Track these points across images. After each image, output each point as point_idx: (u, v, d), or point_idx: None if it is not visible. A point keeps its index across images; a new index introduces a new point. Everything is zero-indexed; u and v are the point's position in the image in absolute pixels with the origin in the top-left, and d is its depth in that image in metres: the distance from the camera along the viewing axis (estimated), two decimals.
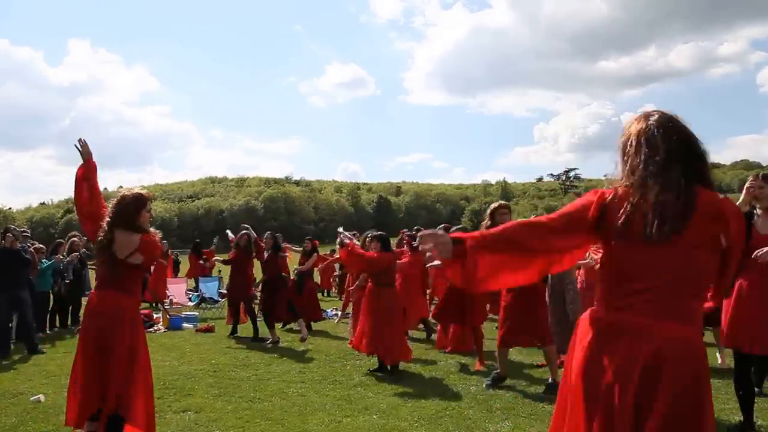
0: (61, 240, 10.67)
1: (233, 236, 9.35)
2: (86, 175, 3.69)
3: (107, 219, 3.54)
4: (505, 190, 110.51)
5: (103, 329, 3.43)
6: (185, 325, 9.82)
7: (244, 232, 8.96)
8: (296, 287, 9.46)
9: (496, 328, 8.16)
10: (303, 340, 8.37)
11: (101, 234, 3.54)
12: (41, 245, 9.50)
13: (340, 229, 7.12)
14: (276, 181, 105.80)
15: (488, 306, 8.21)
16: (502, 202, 5.95)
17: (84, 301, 7.80)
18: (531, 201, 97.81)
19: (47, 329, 9.29)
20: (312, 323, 9.55)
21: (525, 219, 1.98)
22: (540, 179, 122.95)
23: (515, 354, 6.88)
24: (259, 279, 9.00)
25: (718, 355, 5.97)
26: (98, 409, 3.41)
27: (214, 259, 12.22)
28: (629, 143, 1.93)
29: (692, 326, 1.82)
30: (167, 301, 12.08)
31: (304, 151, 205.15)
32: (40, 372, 6.42)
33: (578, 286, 6.62)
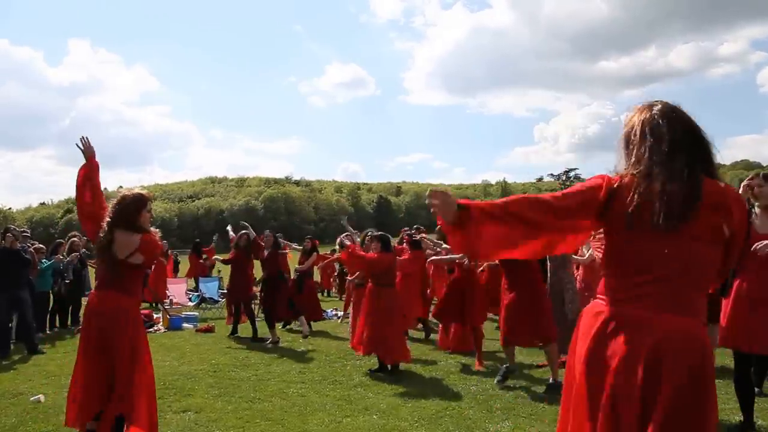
0: (61, 240, 10.67)
1: (233, 234, 9.36)
2: (89, 175, 3.68)
3: (107, 219, 3.53)
4: (505, 190, 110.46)
5: (104, 329, 3.43)
6: (185, 325, 9.82)
7: (243, 232, 8.96)
8: (296, 286, 9.47)
9: (496, 328, 8.19)
10: (305, 336, 8.39)
11: (101, 234, 3.54)
12: (41, 245, 9.49)
13: (344, 222, 7.14)
14: (276, 181, 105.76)
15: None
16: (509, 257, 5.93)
17: (84, 301, 7.80)
18: None
19: (47, 329, 9.29)
20: (312, 323, 9.55)
21: (531, 194, 1.94)
22: (540, 179, 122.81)
23: (515, 354, 6.87)
24: (260, 277, 9.00)
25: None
26: (100, 410, 3.41)
27: (214, 258, 12.22)
28: (633, 133, 1.92)
29: (695, 318, 1.81)
30: (167, 301, 12.09)
31: (304, 151, 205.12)
32: (40, 372, 6.42)
33: (577, 285, 6.62)
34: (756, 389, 4.44)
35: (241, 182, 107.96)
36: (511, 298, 5.34)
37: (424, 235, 8.81)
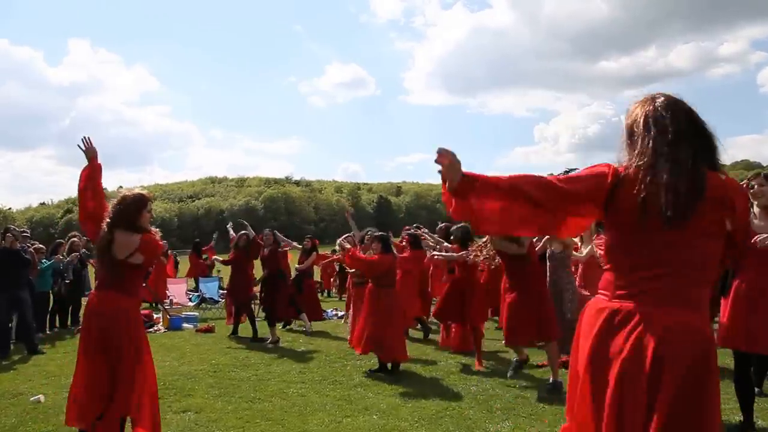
0: (61, 240, 10.67)
1: (234, 234, 9.37)
2: (91, 176, 3.68)
3: (107, 220, 3.53)
4: None
5: (105, 329, 3.42)
6: (185, 325, 9.81)
7: (243, 232, 8.98)
8: (296, 286, 9.46)
9: (497, 328, 8.19)
10: (308, 332, 8.39)
11: (101, 235, 3.53)
12: (41, 245, 9.50)
13: (348, 216, 7.17)
14: (276, 181, 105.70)
15: (490, 311, 8.24)
16: (508, 233, 5.94)
17: (84, 301, 7.80)
18: None
19: (47, 329, 9.29)
20: (312, 323, 9.54)
21: (536, 174, 1.94)
22: None
23: (515, 354, 6.87)
24: (260, 277, 9.01)
25: None
26: (101, 411, 3.41)
27: (213, 258, 12.23)
28: (636, 125, 1.91)
29: (699, 313, 1.80)
30: (167, 301, 12.08)
31: (304, 151, 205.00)
32: (40, 372, 6.42)
33: (576, 283, 6.62)
34: (756, 389, 4.44)
35: (241, 182, 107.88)
36: (513, 297, 5.34)
37: (423, 230, 8.81)
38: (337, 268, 14.23)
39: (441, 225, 9.39)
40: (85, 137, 3.72)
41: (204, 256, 15.02)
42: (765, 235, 3.73)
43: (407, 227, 9.79)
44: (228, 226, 10.78)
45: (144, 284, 9.51)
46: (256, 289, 9.59)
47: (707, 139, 1.88)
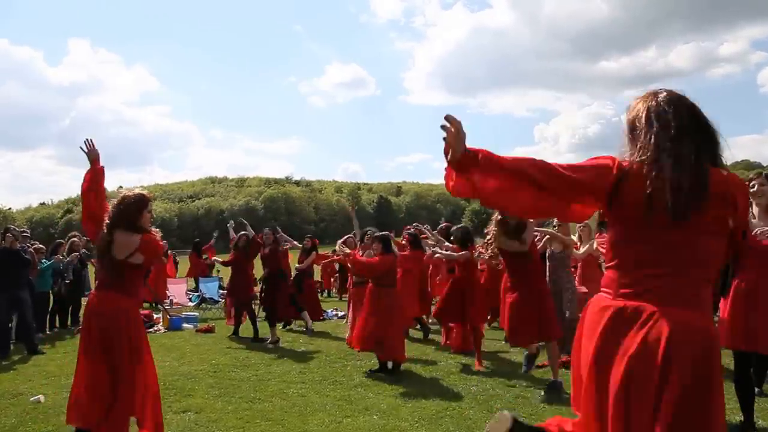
0: (61, 240, 10.67)
1: (234, 234, 9.37)
2: (94, 179, 3.69)
3: (107, 221, 3.53)
4: None
5: (105, 329, 3.42)
6: (185, 325, 9.81)
7: (242, 233, 9.00)
8: (296, 285, 9.46)
9: (494, 328, 8.19)
10: (310, 330, 8.51)
11: (101, 236, 3.53)
12: (41, 245, 9.50)
13: (351, 212, 7.17)
14: (276, 181, 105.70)
15: (489, 316, 8.24)
16: (510, 213, 5.94)
17: (84, 301, 7.80)
18: None
19: (47, 330, 9.29)
20: (312, 323, 9.54)
21: (541, 159, 1.89)
22: None
23: (516, 354, 6.87)
24: (260, 276, 9.02)
25: None
26: (103, 411, 3.40)
27: (213, 259, 12.24)
28: (638, 119, 1.90)
29: (703, 312, 1.80)
30: (167, 301, 12.08)
31: (304, 151, 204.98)
32: (39, 372, 6.42)
33: (576, 282, 6.62)
34: (756, 389, 4.44)
35: (241, 182, 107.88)
36: (515, 296, 5.34)
37: (425, 227, 8.81)
38: (337, 268, 14.24)
39: (442, 225, 9.40)
40: (87, 140, 3.73)
41: (204, 256, 15.03)
42: (766, 229, 3.73)
43: (408, 227, 9.79)
44: (228, 225, 10.79)
45: (144, 284, 9.51)
46: (257, 288, 9.59)
47: (710, 135, 1.86)
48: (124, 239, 3.48)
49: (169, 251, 15.23)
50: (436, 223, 9.78)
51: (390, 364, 6.11)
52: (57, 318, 9.74)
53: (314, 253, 10.29)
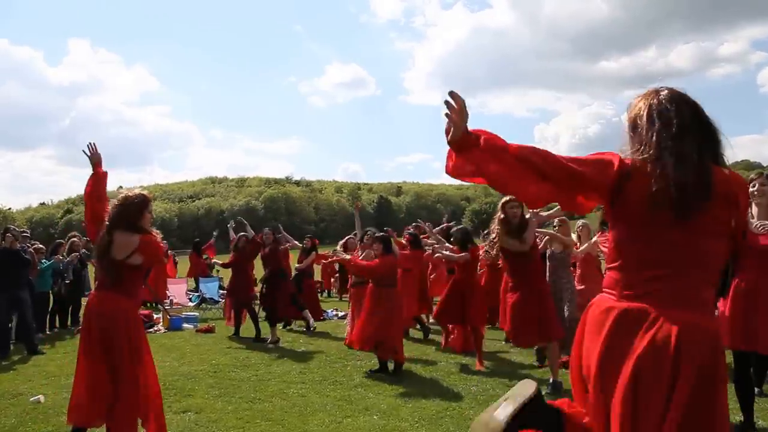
0: (61, 240, 10.67)
1: (234, 235, 9.37)
2: (96, 183, 3.70)
3: (107, 222, 3.53)
4: None
5: (106, 329, 3.42)
6: (185, 325, 9.81)
7: (242, 234, 9.01)
8: (295, 285, 9.46)
9: (492, 328, 8.16)
10: (312, 328, 8.57)
11: (100, 236, 3.53)
12: (41, 245, 9.50)
13: (357, 208, 7.18)
14: (276, 182, 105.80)
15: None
16: (513, 196, 5.93)
17: (84, 301, 7.80)
18: None
19: (47, 330, 9.29)
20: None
21: (544, 149, 1.85)
22: None
23: (516, 354, 6.87)
24: (261, 276, 9.01)
25: None
26: (105, 411, 3.41)
27: (214, 261, 12.24)
28: (639, 117, 1.88)
29: (707, 313, 1.79)
30: (167, 301, 12.08)
31: (304, 151, 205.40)
32: (39, 372, 6.42)
33: (575, 280, 6.62)
34: (756, 389, 4.44)
35: (241, 182, 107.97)
36: (516, 297, 5.33)
37: (426, 225, 8.81)
38: (337, 268, 14.24)
39: (443, 225, 9.39)
40: (90, 144, 3.74)
41: (204, 256, 15.02)
42: (765, 222, 3.73)
43: (408, 227, 9.80)
44: (228, 226, 10.80)
45: (144, 284, 9.51)
46: (257, 289, 9.59)
47: (711, 134, 1.85)
48: (124, 239, 3.47)
49: (168, 251, 15.25)
50: (436, 224, 9.77)
51: (391, 366, 6.11)
52: (57, 318, 9.74)
53: (314, 253, 10.30)
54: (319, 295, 12.67)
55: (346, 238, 9.46)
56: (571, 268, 6.67)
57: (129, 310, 3.54)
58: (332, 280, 15.30)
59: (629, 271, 1.83)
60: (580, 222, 7.21)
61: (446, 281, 7.18)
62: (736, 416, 4.19)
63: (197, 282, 14.30)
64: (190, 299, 13.42)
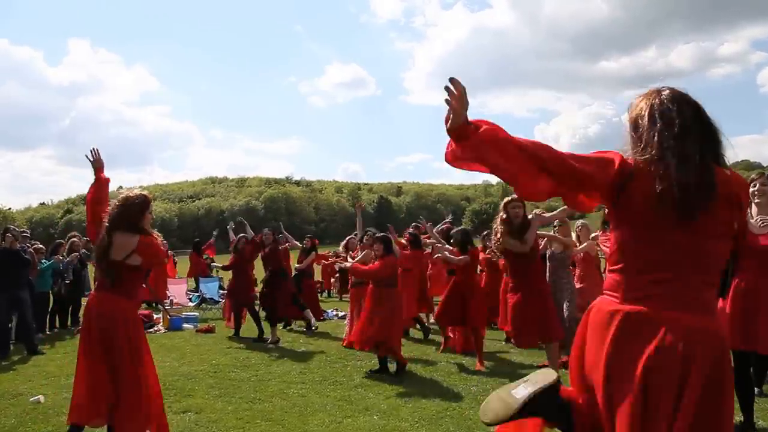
0: (61, 240, 10.67)
1: (234, 236, 9.38)
2: (99, 189, 3.71)
3: (106, 223, 3.53)
4: (506, 190, 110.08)
5: (106, 329, 3.42)
6: (185, 325, 9.81)
7: (242, 235, 9.01)
8: (295, 285, 9.46)
9: (492, 328, 8.16)
10: (314, 327, 8.63)
11: (100, 237, 3.53)
12: (41, 245, 9.50)
13: (359, 207, 7.17)
14: (276, 182, 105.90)
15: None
16: (515, 195, 5.92)
17: (84, 301, 7.81)
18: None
19: (47, 330, 9.29)
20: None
21: (546, 144, 1.83)
22: None
23: (515, 354, 6.88)
24: (261, 277, 9.02)
25: None
26: (105, 411, 3.41)
27: (214, 264, 12.25)
28: (641, 117, 1.87)
29: (712, 316, 1.78)
30: (167, 301, 12.08)
31: (304, 151, 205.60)
32: (39, 373, 6.42)
33: (575, 280, 6.62)
34: (756, 389, 4.45)
35: (241, 182, 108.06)
36: (518, 297, 5.33)
37: (427, 225, 8.81)
38: (337, 268, 14.24)
39: (444, 225, 9.38)
40: (93, 149, 3.75)
41: (204, 255, 15.03)
42: (765, 218, 3.72)
43: (408, 228, 9.79)
44: (228, 227, 10.80)
45: (144, 284, 9.51)
46: (257, 289, 9.60)
47: (713, 134, 1.84)
48: (123, 240, 3.47)
49: (168, 252, 15.25)
50: (437, 224, 9.77)
51: (393, 367, 6.11)
52: (57, 318, 9.74)
53: (314, 253, 10.30)
54: (319, 295, 12.68)
55: (347, 238, 9.48)
56: (571, 268, 6.68)
57: (128, 310, 3.54)
58: (332, 280, 15.30)
59: (632, 273, 1.81)
60: (579, 222, 7.22)
61: (446, 281, 7.17)
62: (736, 416, 4.19)
63: (197, 282, 14.31)
64: (190, 299, 13.43)
